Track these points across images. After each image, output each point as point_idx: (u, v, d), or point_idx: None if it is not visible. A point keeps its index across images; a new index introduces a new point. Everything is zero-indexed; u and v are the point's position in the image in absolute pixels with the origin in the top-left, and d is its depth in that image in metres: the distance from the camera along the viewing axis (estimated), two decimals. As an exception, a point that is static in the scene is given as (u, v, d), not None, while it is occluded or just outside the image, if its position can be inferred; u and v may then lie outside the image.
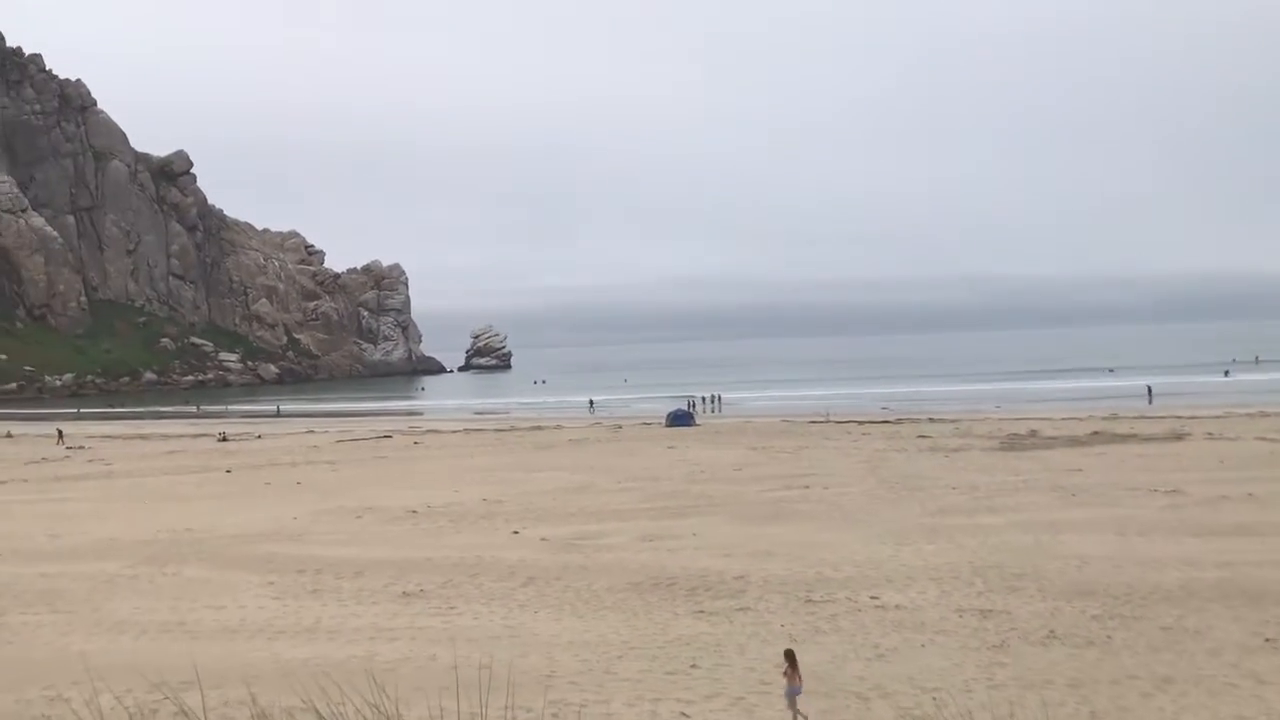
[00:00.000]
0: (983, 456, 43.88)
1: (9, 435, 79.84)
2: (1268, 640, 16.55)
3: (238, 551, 27.39)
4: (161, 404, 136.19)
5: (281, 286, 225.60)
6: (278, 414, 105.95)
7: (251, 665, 16.65)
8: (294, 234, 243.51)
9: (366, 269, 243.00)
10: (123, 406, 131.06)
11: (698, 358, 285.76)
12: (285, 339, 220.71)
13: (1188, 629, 17.32)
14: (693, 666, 16.35)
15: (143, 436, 75.92)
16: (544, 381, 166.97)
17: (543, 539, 27.81)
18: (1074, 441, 48.33)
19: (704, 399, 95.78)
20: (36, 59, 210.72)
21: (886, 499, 32.97)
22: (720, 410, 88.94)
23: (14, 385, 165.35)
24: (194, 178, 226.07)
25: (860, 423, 64.33)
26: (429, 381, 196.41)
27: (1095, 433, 51.69)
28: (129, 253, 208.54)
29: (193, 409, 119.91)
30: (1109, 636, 17.09)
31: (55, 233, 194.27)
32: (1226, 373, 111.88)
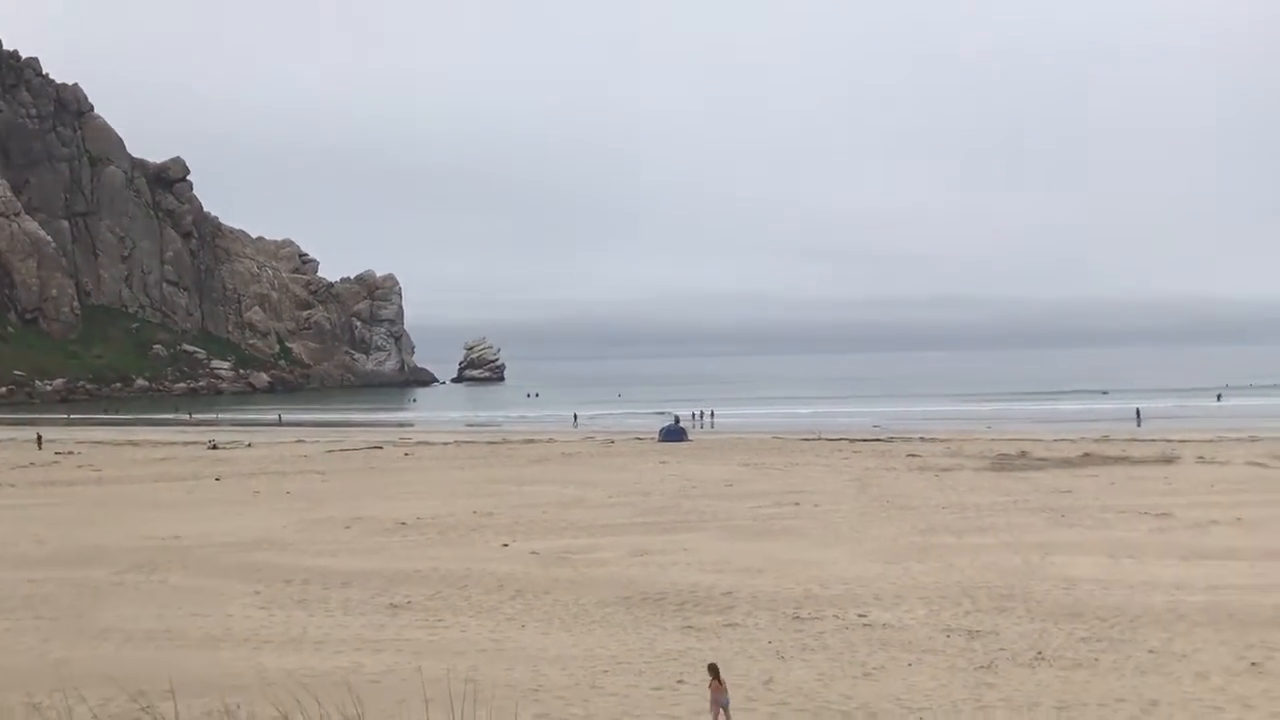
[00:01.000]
0: (973, 476, 43.90)
1: (-2, 440, 79.50)
2: (1253, 664, 16.55)
3: (226, 560, 27.28)
4: (152, 411, 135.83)
5: (275, 295, 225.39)
6: (279, 423, 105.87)
7: (235, 675, 16.56)
8: (288, 242, 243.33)
9: (360, 278, 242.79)
10: (114, 413, 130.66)
11: (693, 373, 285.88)
12: (277, 347, 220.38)
13: (1175, 652, 17.30)
14: (679, 682, 16.30)
15: (133, 443, 75.64)
16: (537, 395, 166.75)
17: (533, 552, 27.73)
18: (1065, 463, 48.37)
19: (696, 414, 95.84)
20: (33, 62, 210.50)
21: (876, 517, 32.95)
22: (713, 426, 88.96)
23: (4, 390, 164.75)
24: (190, 184, 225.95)
25: (852, 440, 64.35)
26: (421, 393, 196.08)
27: (1086, 454, 51.74)
28: (123, 259, 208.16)
29: (185, 416, 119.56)
30: (1096, 659, 17.06)
31: (49, 237, 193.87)
32: (1219, 397, 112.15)
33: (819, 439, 66.07)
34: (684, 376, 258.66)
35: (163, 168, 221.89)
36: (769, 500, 37.42)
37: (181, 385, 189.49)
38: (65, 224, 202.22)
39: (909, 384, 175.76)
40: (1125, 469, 45.51)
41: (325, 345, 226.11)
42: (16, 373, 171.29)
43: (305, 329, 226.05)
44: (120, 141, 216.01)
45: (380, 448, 66.95)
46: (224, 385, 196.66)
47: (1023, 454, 52.69)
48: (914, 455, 53.53)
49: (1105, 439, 61.37)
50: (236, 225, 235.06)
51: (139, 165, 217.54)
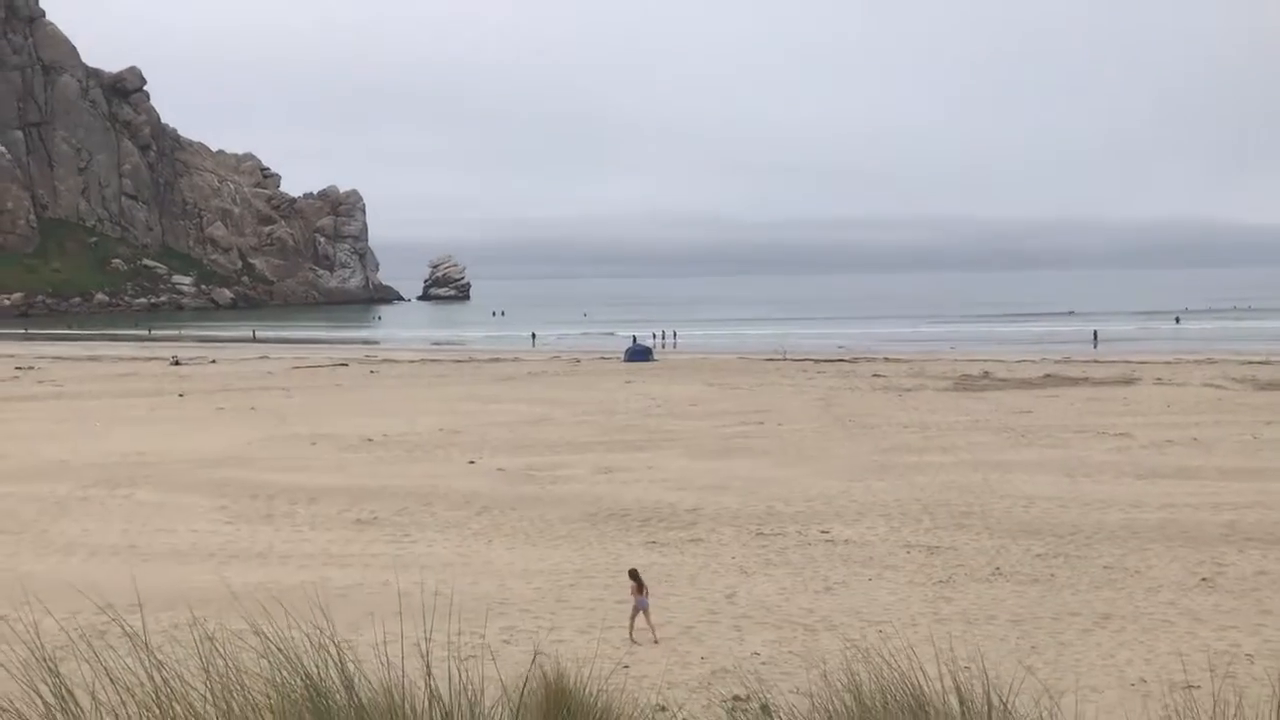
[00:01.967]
0: (935, 397, 44.37)
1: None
2: (1204, 579, 16.99)
3: (191, 476, 27.23)
4: (113, 326, 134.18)
5: (236, 210, 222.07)
6: (254, 339, 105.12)
7: (202, 589, 16.61)
8: (250, 156, 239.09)
9: (323, 194, 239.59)
10: (74, 328, 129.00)
11: (662, 294, 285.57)
12: (240, 263, 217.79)
13: (1128, 568, 17.72)
14: (644, 596, 16.52)
15: (94, 358, 74.88)
16: (503, 313, 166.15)
17: (499, 469, 27.87)
18: (1026, 384, 48.98)
19: (658, 335, 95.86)
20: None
21: (839, 437, 33.31)
22: (675, 347, 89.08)
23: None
24: (147, 95, 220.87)
25: (816, 361, 64.72)
26: (386, 311, 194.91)
27: (1047, 375, 52.38)
28: (80, 171, 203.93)
29: (144, 332, 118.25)
30: (1052, 574, 17.46)
31: (3, 148, 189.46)
32: (1178, 319, 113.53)
33: (784, 359, 66.41)
34: (652, 297, 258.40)
35: (118, 77, 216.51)
36: (733, 419, 37.70)
37: (142, 301, 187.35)
38: (19, 134, 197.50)
39: (875, 305, 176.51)
40: (1085, 390, 46.14)
41: (288, 261, 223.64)
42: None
43: (268, 245, 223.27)
44: (74, 50, 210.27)
45: (345, 365, 66.65)
46: (186, 301, 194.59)
47: (985, 374, 53.27)
48: (878, 375, 53.98)
49: (1067, 360, 62.09)
50: (195, 139, 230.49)
51: (94, 75, 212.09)
